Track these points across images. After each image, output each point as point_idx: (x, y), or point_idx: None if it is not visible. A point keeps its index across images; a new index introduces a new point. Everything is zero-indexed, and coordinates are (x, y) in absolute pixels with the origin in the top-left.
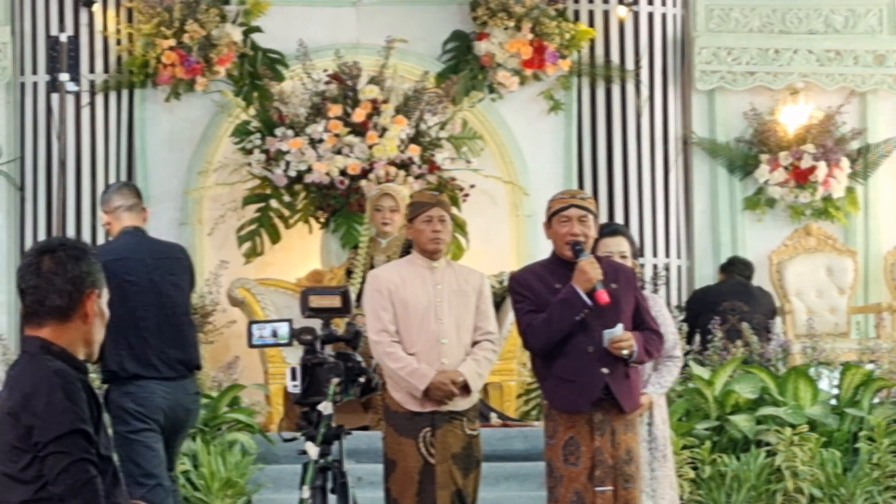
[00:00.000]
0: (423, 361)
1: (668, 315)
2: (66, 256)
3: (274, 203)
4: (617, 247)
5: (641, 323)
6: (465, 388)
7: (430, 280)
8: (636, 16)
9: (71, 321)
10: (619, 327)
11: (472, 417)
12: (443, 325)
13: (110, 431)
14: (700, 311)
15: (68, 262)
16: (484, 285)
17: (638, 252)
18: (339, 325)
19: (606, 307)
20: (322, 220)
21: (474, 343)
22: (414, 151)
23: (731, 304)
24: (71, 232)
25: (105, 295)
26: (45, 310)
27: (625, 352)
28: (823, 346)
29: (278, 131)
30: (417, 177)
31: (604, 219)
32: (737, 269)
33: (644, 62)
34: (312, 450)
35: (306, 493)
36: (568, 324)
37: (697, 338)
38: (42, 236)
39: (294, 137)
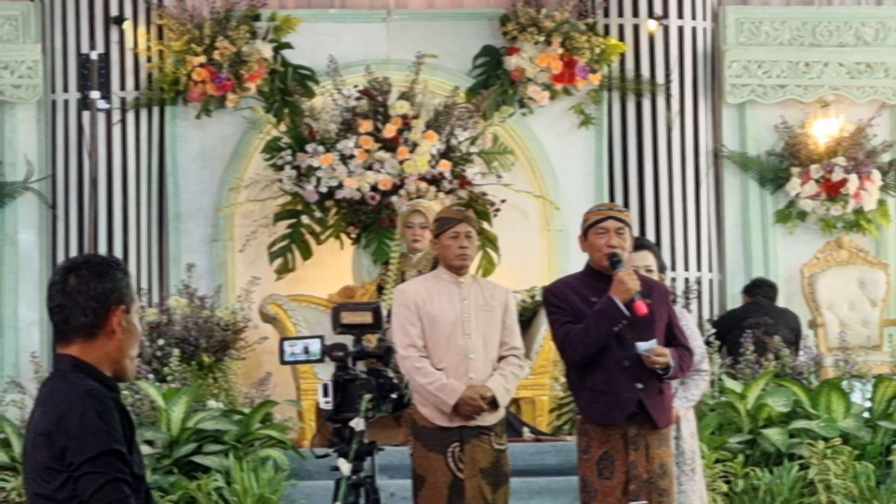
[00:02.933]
0: (450, 376)
1: (695, 329)
2: (90, 274)
3: (305, 219)
4: (642, 261)
5: (673, 339)
6: (493, 404)
7: (457, 295)
8: (666, 29)
9: (97, 338)
10: (653, 342)
11: (500, 432)
12: (470, 340)
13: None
14: (727, 329)
15: (91, 279)
16: (509, 300)
17: (664, 266)
18: (371, 342)
19: (642, 321)
20: (353, 235)
21: (500, 358)
22: (445, 167)
23: (755, 320)
24: (103, 250)
25: (135, 310)
26: (71, 328)
27: (658, 364)
28: (856, 359)
29: (309, 147)
30: (448, 192)
31: (635, 233)
32: (761, 290)
33: (674, 76)
34: (345, 466)
35: None
36: (605, 334)
37: (727, 357)
38: (74, 254)
39: (325, 153)
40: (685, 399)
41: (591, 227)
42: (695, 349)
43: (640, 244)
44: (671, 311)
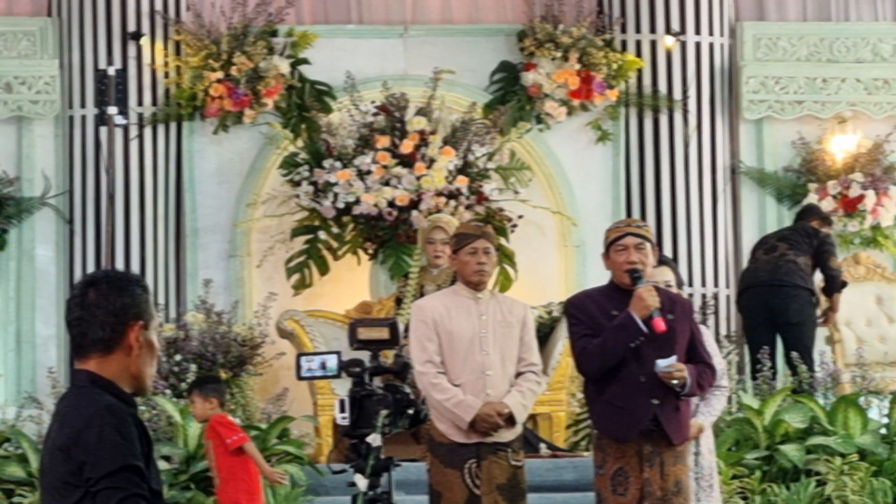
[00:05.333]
0: (468, 393)
1: (714, 345)
2: (109, 288)
3: (322, 235)
4: (661, 276)
5: (695, 356)
6: (510, 420)
7: (475, 311)
8: (683, 45)
9: (114, 353)
10: (673, 359)
11: (517, 448)
12: (488, 357)
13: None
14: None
15: (110, 293)
16: (527, 316)
17: (682, 282)
18: (388, 357)
19: (662, 337)
20: (370, 251)
21: (518, 374)
22: (462, 182)
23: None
24: (120, 265)
25: (154, 326)
26: (89, 342)
27: (674, 382)
28: (873, 375)
29: (326, 163)
30: (466, 207)
31: None
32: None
33: (692, 92)
34: (361, 481)
35: None
36: (622, 350)
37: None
38: (91, 269)
39: (342, 169)
40: (707, 414)
41: (611, 245)
42: (715, 365)
43: (658, 260)
44: (695, 328)
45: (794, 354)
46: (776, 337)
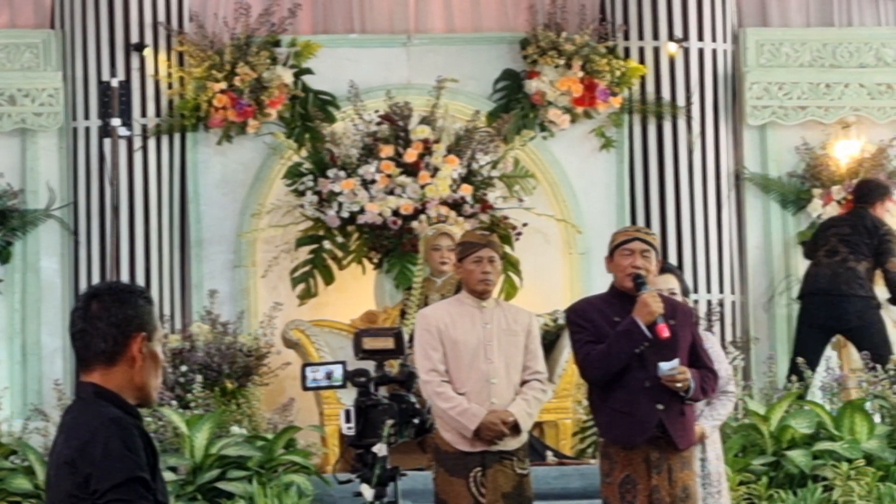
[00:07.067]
0: (473, 401)
1: (720, 351)
2: (111, 300)
3: (327, 244)
4: (665, 284)
5: (697, 360)
6: (515, 428)
7: (480, 319)
8: (686, 52)
9: (116, 365)
10: (676, 361)
11: (523, 457)
12: (493, 365)
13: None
14: (817, 235)
15: (113, 305)
16: (532, 324)
17: (687, 290)
18: (393, 367)
19: (665, 343)
20: (375, 260)
21: (523, 382)
22: (466, 191)
23: (837, 229)
24: (125, 276)
25: (158, 338)
26: (92, 354)
27: (678, 385)
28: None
29: (330, 172)
30: (470, 216)
31: None
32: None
33: (695, 98)
34: (367, 491)
35: None
36: (626, 355)
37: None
38: (96, 281)
39: (346, 178)
40: (711, 418)
41: (616, 248)
42: (720, 371)
43: (663, 268)
44: (696, 334)
45: (865, 354)
46: (825, 345)
